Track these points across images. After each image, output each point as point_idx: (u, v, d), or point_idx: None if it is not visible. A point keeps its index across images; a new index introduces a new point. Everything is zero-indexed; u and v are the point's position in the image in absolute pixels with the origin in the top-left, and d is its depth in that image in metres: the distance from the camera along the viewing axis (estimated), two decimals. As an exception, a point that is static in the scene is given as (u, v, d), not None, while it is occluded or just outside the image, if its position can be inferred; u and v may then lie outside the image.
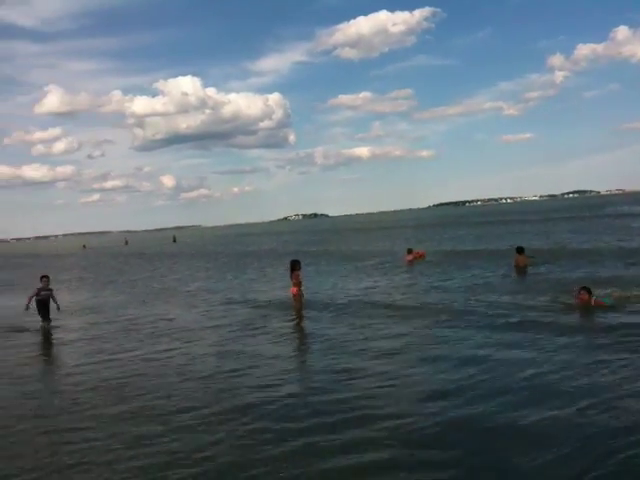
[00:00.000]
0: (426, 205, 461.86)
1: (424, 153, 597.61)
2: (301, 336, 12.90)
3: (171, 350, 11.89)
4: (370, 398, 7.82)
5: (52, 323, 15.74)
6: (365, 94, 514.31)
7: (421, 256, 27.43)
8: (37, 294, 15.61)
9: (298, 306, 15.68)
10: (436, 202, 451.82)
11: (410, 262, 26.06)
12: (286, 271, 18.09)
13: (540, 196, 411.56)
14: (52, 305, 16.05)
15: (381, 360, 9.82)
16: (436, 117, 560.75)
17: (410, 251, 27.28)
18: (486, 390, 7.84)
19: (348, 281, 21.32)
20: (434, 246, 35.22)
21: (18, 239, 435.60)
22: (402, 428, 6.69)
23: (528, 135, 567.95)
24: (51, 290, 16.02)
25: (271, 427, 6.99)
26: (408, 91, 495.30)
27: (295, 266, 15.96)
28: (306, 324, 13.97)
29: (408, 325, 12.55)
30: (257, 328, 13.50)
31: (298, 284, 15.93)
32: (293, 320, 14.51)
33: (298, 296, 15.93)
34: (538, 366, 8.74)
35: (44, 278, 15.98)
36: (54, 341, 14.28)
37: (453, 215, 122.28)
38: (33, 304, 15.75)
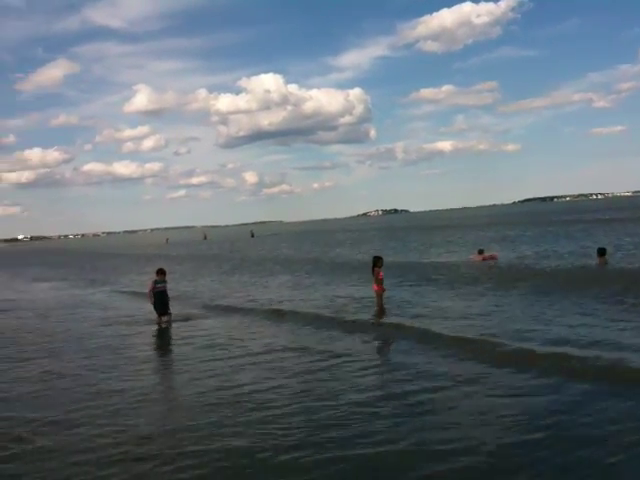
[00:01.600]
0: (511, 201, 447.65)
1: (509, 147, 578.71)
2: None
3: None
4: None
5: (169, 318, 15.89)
6: (448, 87, 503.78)
7: (493, 258, 26.10)
8: (153, 288, 15.79)
9: (379, 304, 15.51)
10: (522, 198, 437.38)
11: (480, 261, 25.28)
12: (368, 269, 17.02)
13: (633, 192, 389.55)
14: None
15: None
16: (522, 110, 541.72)
17: (481, 252, 26.42)
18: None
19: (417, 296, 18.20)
20: (515, 248, 33.31)
21: (109, 233, 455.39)
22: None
23: (620, 128, 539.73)
24: (166, 282, 16.17)
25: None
26: (492, 83, 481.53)
27: (377, 262, 15.51)
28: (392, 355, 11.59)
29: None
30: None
31: (379, 281, 15.46)
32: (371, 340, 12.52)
33: (380, 292, 15.60)
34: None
35: (160, 272, 16.08)
36: (173, 337, 14.28)
37: (539, 212, 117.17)
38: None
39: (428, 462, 5.97)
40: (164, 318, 15.67)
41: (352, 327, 13.53)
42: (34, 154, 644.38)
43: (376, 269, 15.43)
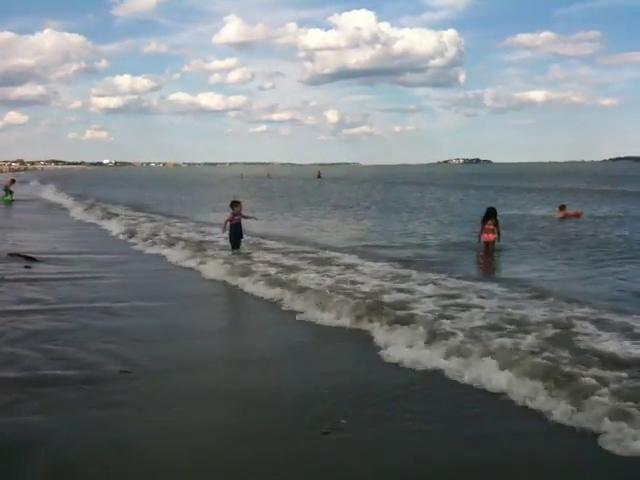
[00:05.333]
0: (602, 158, 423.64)
1: (606, 101, 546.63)
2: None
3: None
4: None
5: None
6: (547, 34, 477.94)
7: (576, 215, 24.37)
8: (231, 219, 15.64)
9: (491, 251, 15.52)
10: (614, 156, 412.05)
11: (561, 218, 23.69)
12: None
13: None
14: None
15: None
16: (624, 63, 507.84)
17: (562, 207, 24.69)
18: None
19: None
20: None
21: (189, 164, 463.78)
22: None
23: None
24: (241, 215, 15.98)
25: None
26: (595, 33, 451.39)
27: (492, 214, 15.90)
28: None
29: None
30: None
31: (491, 230, 15.72)
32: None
33: (492, 243, 15.74)
34: None
35: (235, 204, 15.96)
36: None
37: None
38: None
39: None
40: (235, 250, 15.35)
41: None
42: (124, 80, 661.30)
43: (492, 220, 15.77)
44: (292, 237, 18.85)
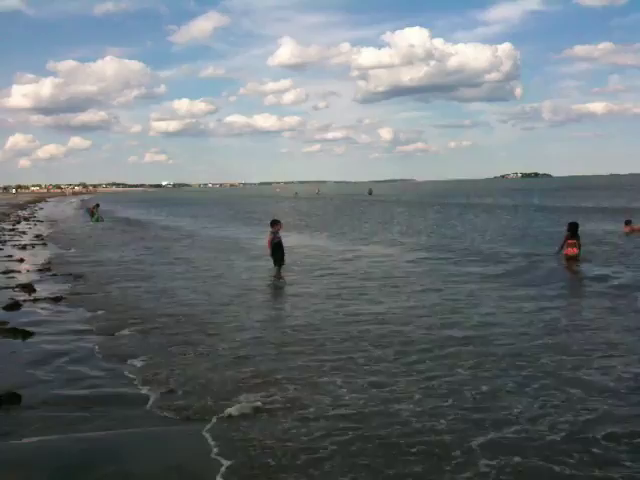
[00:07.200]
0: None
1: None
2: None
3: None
4: None
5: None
6: (605, 45, 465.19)
7: None
8: (274, 238, 16.16)
9: (573, 264, 15.95)
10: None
11: (627, 233, 23.58)
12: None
13: None
14: None
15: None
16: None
17: (628, 222, 24.54)
18: None
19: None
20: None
21: (245, 183, 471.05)
22: None
23: None
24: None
25: None
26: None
27: (574, 228, 16.67)
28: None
29: None
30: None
31: (575, 245, 16.47)
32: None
33: (575, 256, 16.37)
34: None
35: (275, 223, 16.32)
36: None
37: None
38: None
39: None
40: (278, 266, 15.94)
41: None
42: (182, 104, 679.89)
43: (575, 236, 16.56)
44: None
